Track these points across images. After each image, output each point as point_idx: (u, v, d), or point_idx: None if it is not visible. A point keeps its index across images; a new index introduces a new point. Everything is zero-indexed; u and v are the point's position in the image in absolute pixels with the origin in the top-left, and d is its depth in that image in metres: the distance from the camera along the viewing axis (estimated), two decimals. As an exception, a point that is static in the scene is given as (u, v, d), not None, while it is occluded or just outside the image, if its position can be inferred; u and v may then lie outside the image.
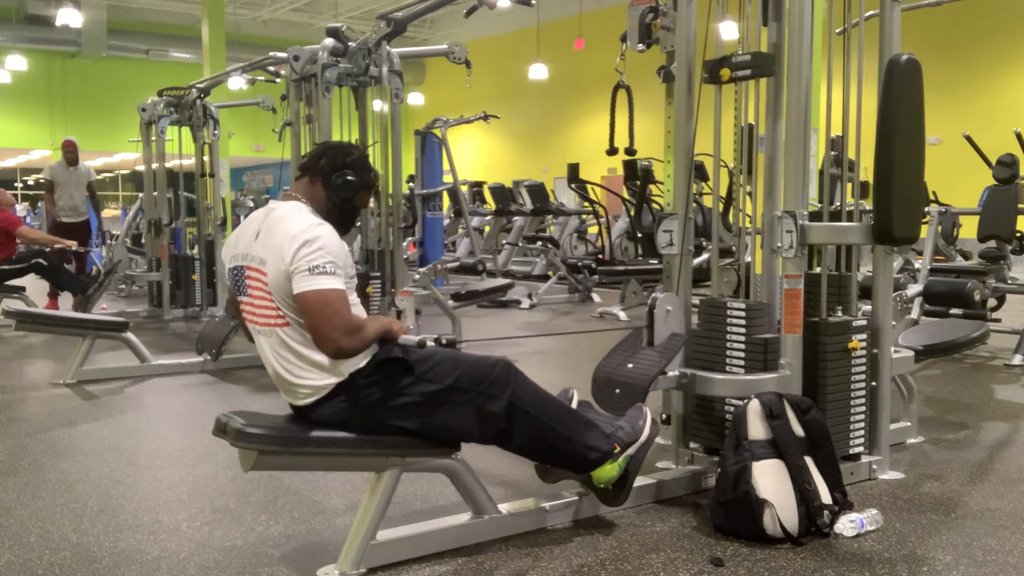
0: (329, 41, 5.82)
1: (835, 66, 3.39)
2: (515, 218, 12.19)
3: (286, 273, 2.46)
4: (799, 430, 2.87)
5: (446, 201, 11.58)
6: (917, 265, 7.43)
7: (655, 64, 3.60)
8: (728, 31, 3.45)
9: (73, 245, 8.23)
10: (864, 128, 3.33)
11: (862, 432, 3.35)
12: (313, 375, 2.53)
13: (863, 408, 3.35)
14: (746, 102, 3.30)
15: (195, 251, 8.75)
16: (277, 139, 6.89)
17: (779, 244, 3.08)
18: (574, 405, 2.94)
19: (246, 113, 14.54)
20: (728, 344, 3.26)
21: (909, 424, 3.91)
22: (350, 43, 5.86)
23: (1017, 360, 5.71)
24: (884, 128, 3.06)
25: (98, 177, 9.66)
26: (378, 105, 6.04)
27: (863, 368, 3.35)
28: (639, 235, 10.07)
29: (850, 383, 3.31)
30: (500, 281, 8.60)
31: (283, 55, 6.21)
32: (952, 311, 5.80)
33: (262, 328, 2.57)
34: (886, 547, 2.70)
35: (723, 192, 7.03)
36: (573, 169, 11.13)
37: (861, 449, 3.36)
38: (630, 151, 3.91)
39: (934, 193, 8.89)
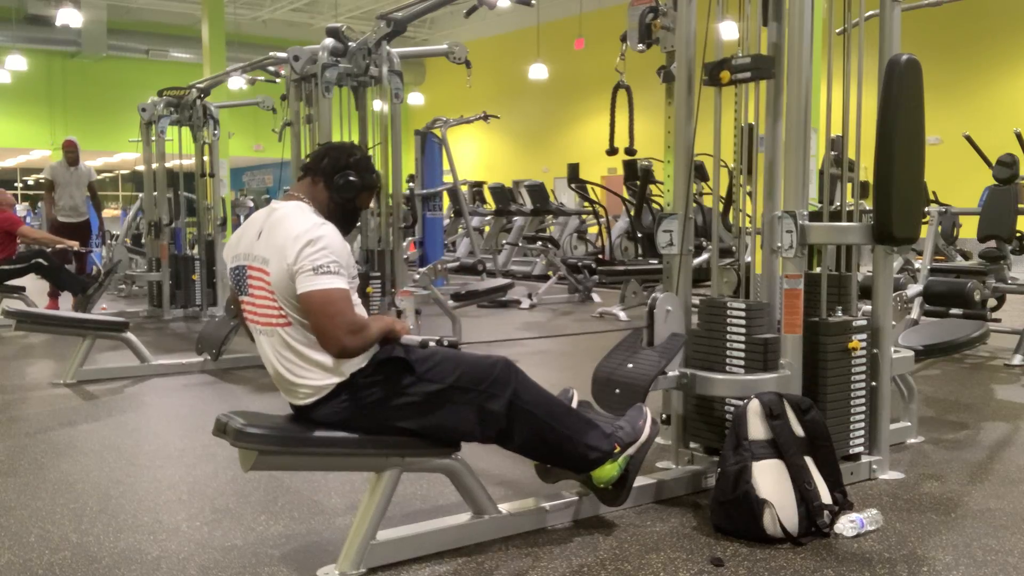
0: (329, 41, 5.82)
1: (835, 66, 3.39)
2: (515, 218, 12.19)
3: (289, 273, 2.46)
4: (799, 430, 2.87)
5: (446, 201, 11.58)
6: (917, 265, 7.43)
7: (655, 64, 3.60)
8: (728, 31, 3.45)
9: (75, 245, 8.23)
10: (864, 128, 3.33)
11: (862, 432, 3.35)
12: (314, 375, 2.53)
13: (863, 408, 3.35)
14: (746, 102, 3.30)
15: (195, 251, 8.75)
16: (277, 139, 6.89)
17: (779, 244, 3.08)
18: (574, 405, 2.94)
19: (246, 113, 14.54)
20: (728, 344, 3.26)
21: (909, 424, 3.91)
22: (350, 43, 5.86)
23: (1017, 360, 5.71)
24: (884, 128, 3.06)
25: (98, 177, 9.66)
26: (378, 105, 6.04)
27: (863, 368, 3.35)
28: (639, 235, 10.07)
29: (850, 383, 3.31)
30: (500, 281, 8.60)
31: (283, 55, 6.21)
32: (952, 311, 5.80)
33: (263, 328, 2.57)
34: (886, 547, 2.70)
35: (723, 192, 7.02)
36: (573, 169, 11.14)
37: (861, 449, 3.37)
38: (630, 151, 3.92)
39: (934, 193, 8.89)
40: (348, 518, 2.89)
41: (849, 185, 3.60)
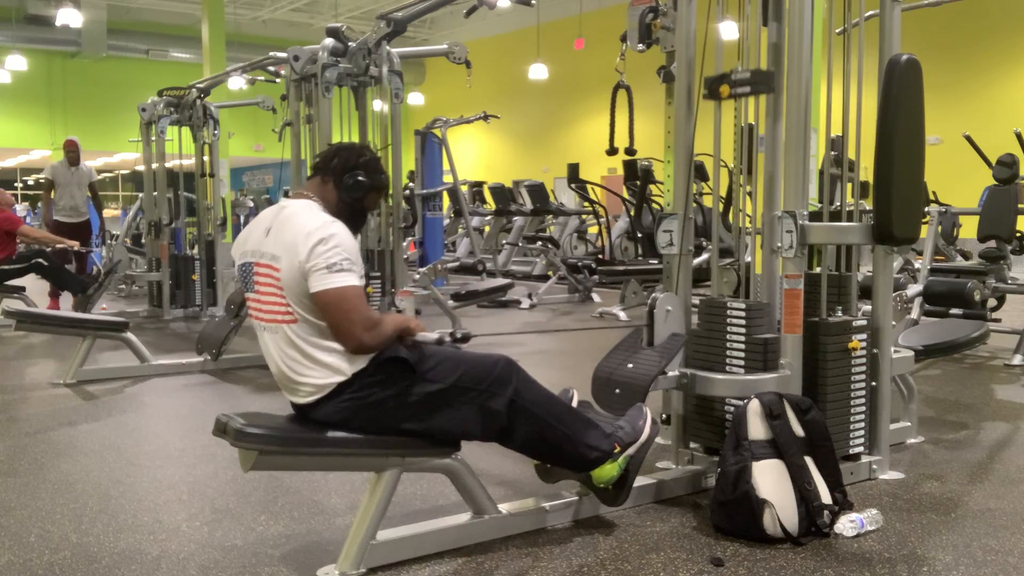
0: (329, 41, 5.82)
1: (835, 66, 3.39)
2: (515, 218, 12.19)
3: (301, 270, 2.47)
4: (799, 430, 2.87)
5: (446, 201, 11.58)
6: (917, 265, 7.44)
7: (655, 64, 3.60)
8: (728, 31, 3.45)
9: (75, 245, 8.23)
10: (864, 128, 3.33)
11: (862, 432, 3.35)
12: (316, 373, 2.53)
13: (863, 408, 3.35)
14: (746, 103, 3.30)
15: (195, 251, 8.75)
16: (277, 139, 6.90)
17: (779, 244, 3.08)
18: (574, 405, 2.94)
19: (246, 113, 14.55)
20: (728, 344, 3.26)
21: (909, 424, 3.91)
22: (350, 43, 5.86)
23: (1017, 360, 5.71)
24: (884, 128, 3.06)
25: (99, 177, 9.66)
26: (378, 105, 6.04)
27: (863, 368, 3.35)
28: (639, 235, 10.07)
29: (850, 383, 3.31)
30: (500, 281, 8.60)
31: (283, 55, 6.21)
32: (952, 311, 5.80)
33: (268, 324, 2.58)
34: (886, 547, 2.70)
35: (723, 192, 7.03)
36: (573, 169, 11.14)
37: (861, 449, 3.37)
38: (630, 151, 3.92)
39: (934, 193, 8.89)
40: (348, 518, 2.89)
41: (849, 185, 3.60)
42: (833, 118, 3.40)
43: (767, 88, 3.19)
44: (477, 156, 24.11)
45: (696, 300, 3.48)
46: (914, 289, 5.95)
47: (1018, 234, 6.59)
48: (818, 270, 3.43)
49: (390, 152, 6.06)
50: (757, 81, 3.15)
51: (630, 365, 3.14)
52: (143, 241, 9.57)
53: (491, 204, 13.10)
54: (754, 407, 2.86)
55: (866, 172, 3.34)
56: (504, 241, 12.52)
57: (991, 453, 3.75)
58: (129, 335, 5.60)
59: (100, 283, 8.18)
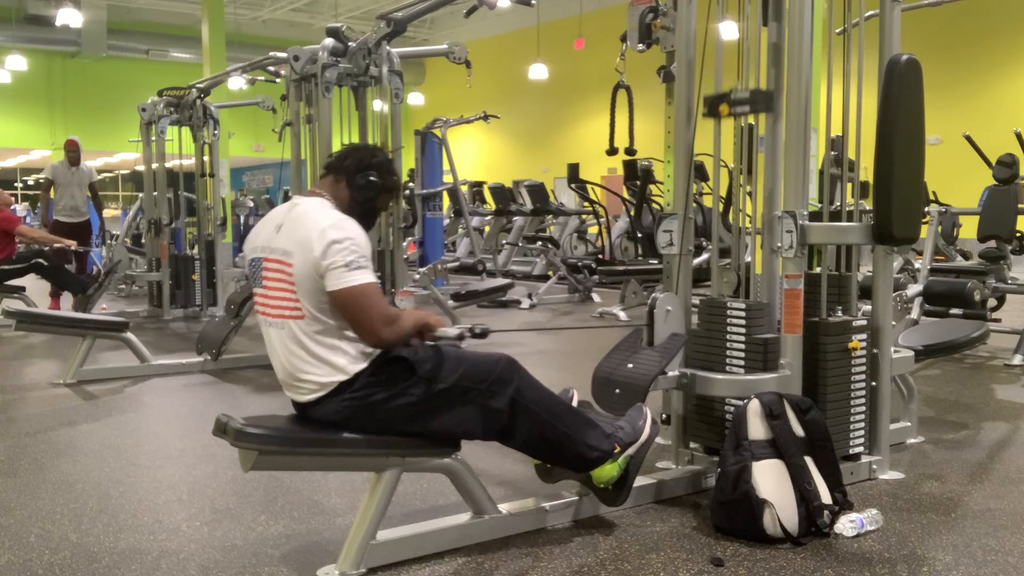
0: (329, 41, 5.82)
1: (835, 66, 3.39)
2: (515, 218, 12.19)
3: (316, 267, 2.47)
4: (799, 430, 2.87)
5: (446, 201, 11.58)
6: (917, 265, 7.43)
7: (655, 64, 3.60)
8: (728, 31, 3.45)
9: (72, 244, 8.23)
10: (864, 128, 3.33)
11: (862, 432, 3.35)
12: (319, 371, 2.53)
13: (863, 408, 3.35)
14: (746, 102, 3.30)
15: (195, 251, 8.75)
16: (277, 139, 6.89)
17: (779, 244, 3.08)
18: (574, 405, 2.94)
19: (246, 113, 14.54)
20: (728, 344, 3.26)
21: (909, 424, 3.91)
22: (350, 43, 5.86)
23: (1017, 360, 5.71)
24: (884, 128, 3.06)
25: (99, 177, 9.66)
26: (378, 105, 6.03)
27: (863, 368, 3.35)
28: (639, 235, 10.07)
29: (850, 383, 3.31)
30: (500, 281, 8.60)
31: (283, 55, 6.20)
32: (952, 311, 5.80)
33: (274, 320, 2.59)
34: (886, 547, 2.70)
35: (723, 192, 7.02)
36: (573, 169, 11.14)
37: (861, 449, 3.37)
38: (630, 151, 3.92)
39: (934, 193, 8.89)
40: (348, 518, 2.89)
41: (849, 185, 3.60)
42: (833, 118, 3.40)
43: (766, 107, 3.23)
44: (477, 156, 24.11)
45: (696, 300, 3.48)
46: (914, 289, 5.95)
47: (1018, 234, 6.59)
48: (818, 270, 3.43)
49: (389, 151, 6.05)
50: (756, 100, 3.18)
51: (630, 365, 3.14)
52: (143, 241, 9.57)
53: (491, 204, 13.10)
54: (754, 407, 2.86)
55: (866, 172, 3.34)
56: (504, 241, 12.52)
57: (991, 453, 3.75)
58: (129, 335, 5.60)
59: (100, 283, 8.18)
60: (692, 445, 3.44)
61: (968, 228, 7.08)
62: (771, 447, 2.81)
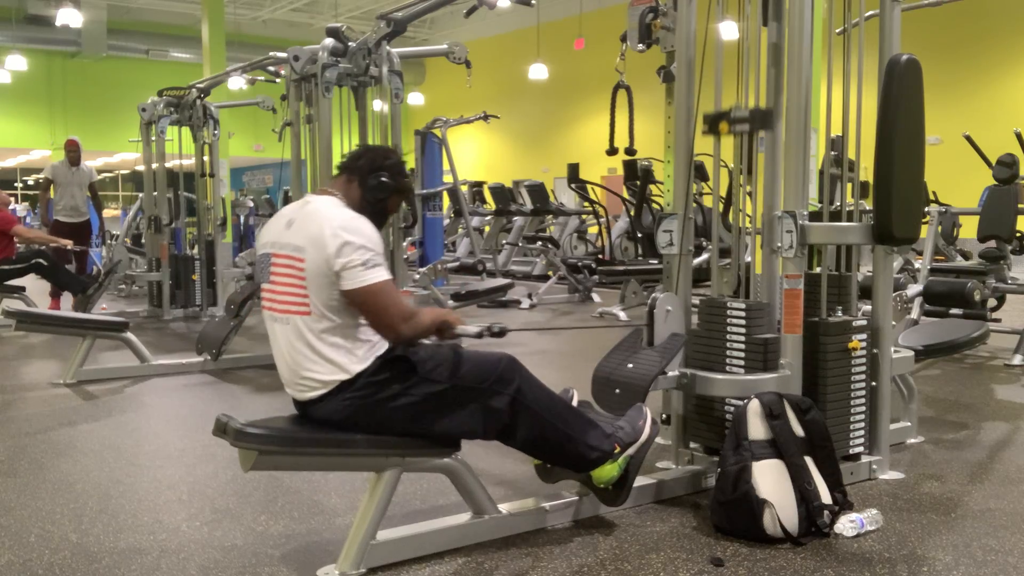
0: (329, 41, 5.82)
1: (835, 66, 3.39)
2: (515, 218, 12.19)
3: (329, 265, 2.48)
4: (799, 430, 2.87)
5: (446, 201, 11.58)
6: (917, 265, 7.43)
7: (655, 64, 3.60)
8: (728, 31, 3.45)
9: (68, 244, 8.23)
10: (864, 128, 3.33)
11: (862, 432, 3.35)
12: (321, 369, 2.54)
13: (863, 408, 3.35)
14: (746, 101, 3.30)
15: (195, 251, 8.75)
16: (277, 139, 6.89)
17: (779, 244, 3.08)
18: (574, 405, 2.94)
19: (246, 113, 14.53)
20: (728, 344, 3.26)
21: (909, 424, 3.91)
22: (350, 43, 5.85)
23: (1017, 360, 5.71)
24: (884, 128, 3.06)
25: (99, 177, 9.66)
26: (378, 105, 6.03)
27: (863, 368, 3.35)
28: (639, 235, 10.07)
29: (850, 383, 3.31)
30: (500, 281, 8.59)
31: (283, 55, 6.20)
32: (952, 311, 5.80)
33: (280, 315, 2.59)
34: (886, 547, 2.70)
35: (723, 192, 7.02)
36: (573, 169, 11.13)
37: (861, 449, 3.37)
38: (630, 151, 3.92)
39: (934, 193, 8.89)
40: (348, 518, 2.89)
41: (849, 185, 3.60)
42: (833, 118, 3.40)
43: (766, 125, 3.24)
44: (477, 156, 24.11)
45: (696, 300, 3.48)
46: (914, 289, 5.95)
47: (1018, 234, 6.59)
48: (818, 270, 3.43)
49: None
50: (755, 119, 3.20)
51: (630, 365, 3.14)
52: (143, 241, 9.57)
53: (491, 204, 13.10)
54: (754, 407, 2.86)
55: (866, 172, 3.34)
56: (504, 241, 12.52)
57: (991, 453, 3.75)
58: (129, 335, 5.60)
59: (100, 283, 8.18)
60: (692, 445, 3.44)
61: (968, 228, 7.08)
62: (771, 447, 2.81)
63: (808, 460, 2.84)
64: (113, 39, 21.22)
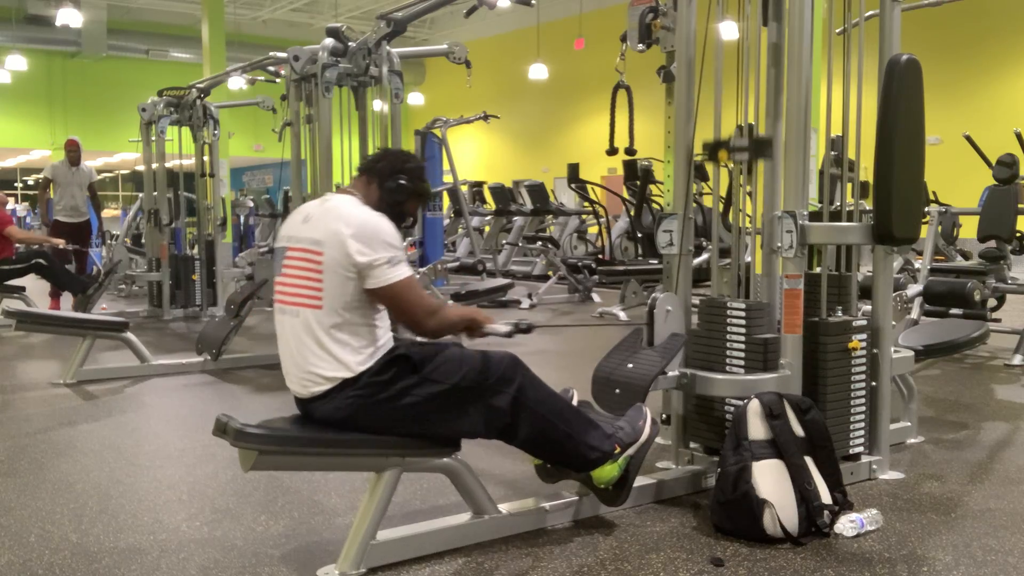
0: (329, 41, 5.82)
1: (835, 66, 3.39)
2: (515, 218, 12.20)
3: (349, 260, 2.50)
4: (799, 430, 2.87)
5: (446, 201, 11.57)
6: (917, 265, 7.43)
7: (655, 64, 3.60)
8: (728, 31, 3.45)
9: (60, 243, 8.23)
10: (864, 128, 3.33)
11: (862, 432, 3.35)
12: (326, 364, 2.54)
13: (863, 408, 3.35)
14: (746, 101, 3.30)
15: (195, 251, 8.75)
16: (277, 139, 6.90)
17: (779, 244, 3.08)
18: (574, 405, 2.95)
19: (246, 113, 14.55)
20: (728, 344, 3.26)
21: (909, 424, 3.91)
22: (350, 43, 5.86)
23: (1017, 360, 5.71)
24: (884, 128, 3.06)
25: (99, 178, 9.66)
26: (378, 105, 6.03)
27: (863, 368, 3.35)
28: (639, 235, 10.07)
29: (850, 383, 3.31)
30: (500, 281, 8.61)
31: (283, 55, 6.21)
32: (952, 311, 5.80)
33: (289, 307, 2.60)
34: (886, 547, 2.70)
35: (723, 192, 7.02)
36: (573, 169, 11.14)
37: (861, 449, 3.36)
38: (630, 151, 3.92)
39: (934, 193, 8.89)
40: (348, 518, 2.89)
41: (849, 185, 3.60)
42: (833, 118, 3.40)
43: (766, 154, 3.27)
44: (477, 156, 24.11)
45: (696, 300, 3.48)
46: (914, 289, 5.95)
47: (1018, 234, 6.59)
48: (818, 270, 3.43)
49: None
50: (754, 148, 3.23)
51: (630, 365, 3.14)
52: (143, 241, 9.57)
53: (491, 204, 13.10)
54: (754, 407, 2.86)
55: (866, 172, 3.34)
56: (504, 241, 12.52)
57: (991, 453, 3.75)
58: (129, 335, 5.60)
59: (100, 283, 8.18)
60: (692, 445, 3.44)
61: (968, 228, 7.08)
62: (771, 447, 2.81)
63: (808, 460, 2.84)
64: (113, 39, 21.22)
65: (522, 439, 2.70)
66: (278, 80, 8.34)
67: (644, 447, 2.83)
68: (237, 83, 13.66)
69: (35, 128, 22.48)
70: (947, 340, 4.66)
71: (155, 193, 8.59)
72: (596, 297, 9.73)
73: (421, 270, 7.67)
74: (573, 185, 11.35)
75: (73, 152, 9.01)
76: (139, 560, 2.64)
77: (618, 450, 2.77)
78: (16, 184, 29.93)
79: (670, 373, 3.15)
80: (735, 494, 2.76)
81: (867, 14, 3.47)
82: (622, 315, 8.13)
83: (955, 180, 11.19)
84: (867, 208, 3.43)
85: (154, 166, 8.62)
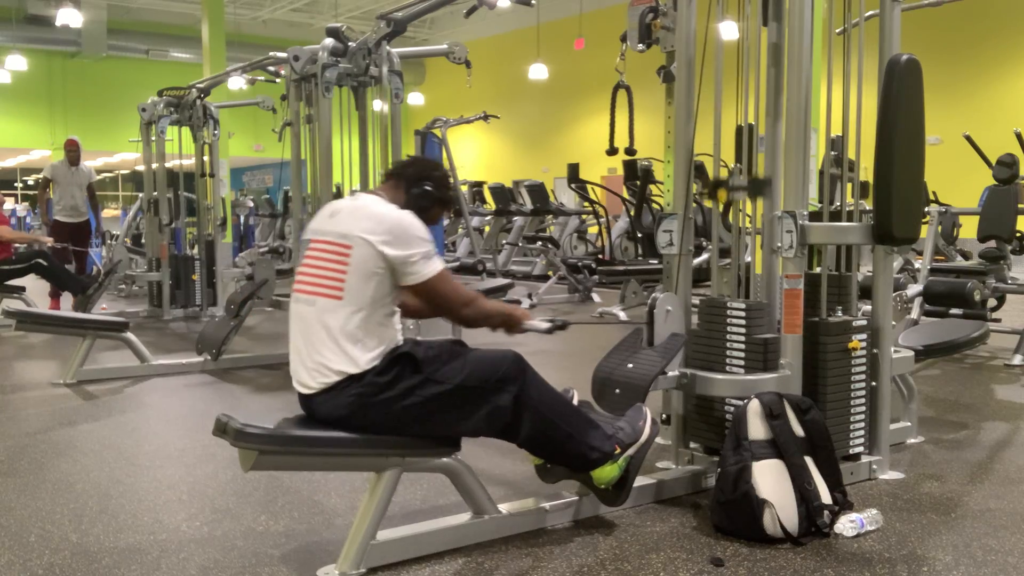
0: (329, 41, 5.82)
1: (835, 66, 3.39)
2: (515, 218, 12.20)
3: (382, 255, 2.54)
4: (799, 430, 2.87)
5: (446, 201, 11.53)
6: (917, 265, 7.44)
7: (655, 64, 3.60)
8: (728, 31, 3.45)
9: (49, 242, 8.23)
10: (864, 128, 3.33)
11: (862, 432, 3.35)
12: (333, 357, 2.54)
13: (863, 408, 3.35)
14: (746, 100, 3.30)
15: (195, 251, 8.75)
16: (277, 139, 6.89)
17: (779, 244, 3.08)
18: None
19: (246, 113, 14.55)
20: (728, 344, 3.26)
21: (909, 424, 3.91)
22: (350, 43, 5.85)
23: (1017, 360, 5.71)
24: (884, 128, 3.06)
25: (98, 178, 9.65)
26: (378, 105, 6.03)
27: (863, 368, 3.35)
28: (639, 235, 10.07)
29: (850, 383, 3.31)
30: (500, 281, 8.58)
31: (283, 55, 6.20)
32: (952, 311, 5.80)
33: (307, 296, 2.62)
34: (886, 547, 2.70)
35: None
36: (573, 169, 11.13)
37: (861, 449, 3.37)
38: (630, 151, 3.92)
39: (934, 193, 8.89)
40: (348, 518, 2.89)
41: (849, 185, 3.60)
42: (833, 118, 3.40)
43: (762, 194, 3.30)
44: (477, 156, 24.12)
45: (696, 300, 3.48)
46: (914, 289, 5.95)
47: (1018, 234, 6.59)
48: (818, 270, 3.43)
49: (389, 150, 6.05)
50: (752, 188, 3.28)
51: (630, 365, 3.14)
52: (143, 241, 9.56)
53: (491, 204, 13.10)
54: (754, 407, 2.86)
55: (866, 172, 3.34)
56: (504, 241, 12.52)
57: (991, 453, 3.75)
58: (129, 335, 5.60)
59: (100, 283, 8.18)
60: (692, 445, 3.44)
61: (968, 228, 7.08)
62: (771, 447, 2.81)
63: (808, 460, 2.84)
64: (113, 39, 21.23)
65: (523, 438, 2.70)
66: (278, 80, 8.34)
67: (644, 447, 2.83)
68: (237, 83, 13.66)
69: (35, 128, 22.48)
70: (947, 340, 4.66)
71: (155, 193, 8.58)
72: (596, 297, 9.73)
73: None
74: (573, 185, 11.34)
75: (73, 152, 9.01)
76: (139, 560, 2.64)
77: (618, 450, 2.77)
78: (16, 184, 29.92)
79: (670, 373, 3.15)
80: (735, 494, 2.76)
81: (867, 14, 3.47)
82: (622, 315, 8.13)
83: (955, 180, 11.19)
84: (867, 208, 3.43)
85: (154, 166, 8.61)
